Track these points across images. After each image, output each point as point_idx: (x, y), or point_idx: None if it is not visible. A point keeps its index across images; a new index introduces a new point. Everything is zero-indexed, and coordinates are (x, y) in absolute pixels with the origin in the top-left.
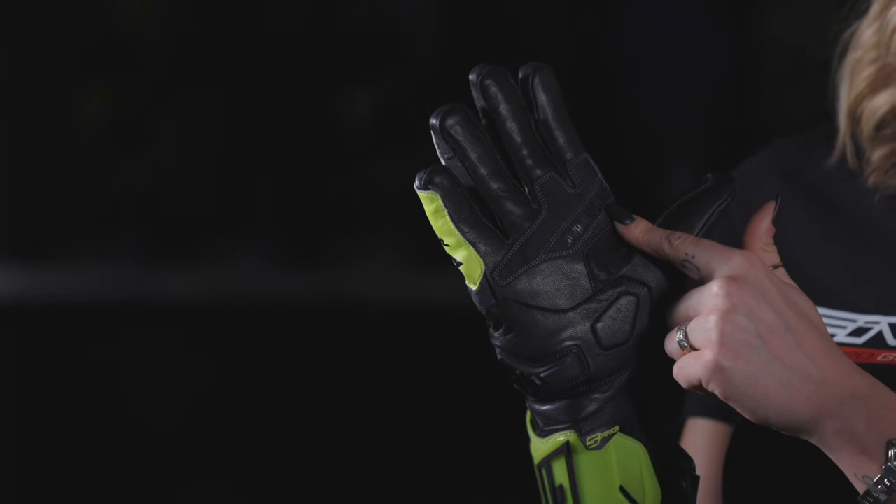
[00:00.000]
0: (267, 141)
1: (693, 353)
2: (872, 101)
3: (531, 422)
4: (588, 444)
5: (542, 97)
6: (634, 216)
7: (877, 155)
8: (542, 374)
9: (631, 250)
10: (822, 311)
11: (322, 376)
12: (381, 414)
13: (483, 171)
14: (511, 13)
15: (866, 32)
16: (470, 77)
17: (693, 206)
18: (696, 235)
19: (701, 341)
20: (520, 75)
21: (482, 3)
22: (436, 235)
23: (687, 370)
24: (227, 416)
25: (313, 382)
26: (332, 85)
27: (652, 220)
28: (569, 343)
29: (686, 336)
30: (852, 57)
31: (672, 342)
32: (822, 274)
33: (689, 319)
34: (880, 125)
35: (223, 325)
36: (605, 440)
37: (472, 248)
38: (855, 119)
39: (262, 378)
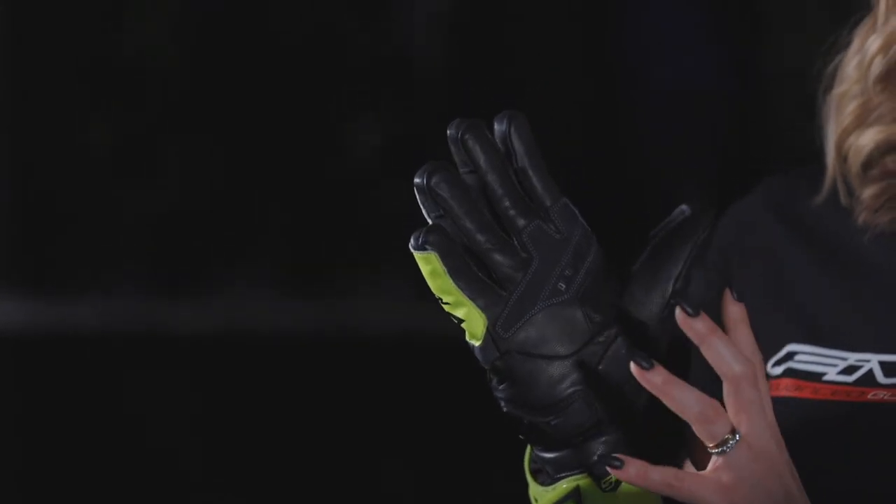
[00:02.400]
0: (274, 171)
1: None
2: (858, 138)
3: (532, 471)
4: (603, 486)
5: (518, 146)
6: (654, 363)
7: (866, 194)
8: (552, 423)
9: (622, 289)
10: (813, 348)
11: (329, 408)
12: (391, 447)
13: (469, 225)
14: (520, 40)
15: (849, 66)
16: (448, 133)
17: (674, 240)
18: (681, 269)
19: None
20: (495, 126)
21: (490, 32)
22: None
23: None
24: (234, 448)
25: (321, 414)
26: (340, 114)
27: (638, 252)
28: (575, 388)
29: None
30: (837, 92)
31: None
32: (813, 311)
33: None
34: (867, 164)
35: (230, 356)
36: (619, 481)
37: (472, 304)
38: (842, 156)
39: (269, 410)
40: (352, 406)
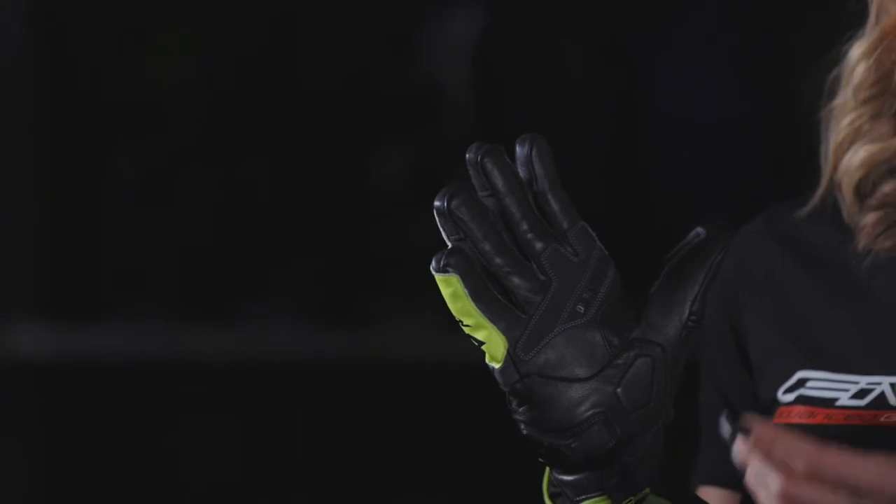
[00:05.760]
0: (301, 199)
1: None
2: (850, 156)
3: (551, 494)
4: None
5: (539, 169)
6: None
7: (865, 221)
8: (572, 445)
9: (639, 312)
10: (823, 374)
11: (355, 437)
12: (416, 476)
13: (488, 248)
14: (544, 75)
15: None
16: (467, 156)
17: (690, 261)
18: (698, 292)
19: None
20: (517, 148)
21: (515, 65)
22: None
23: None
24: (259, 477)
25: (347, 443)
26: (366, 144)
27: (654, 274)
28: (594, 411)
29: None
30: (833, 104)
31: None
32: (821, 336)
33: None
34: (859, 189)
35: (256, 385)
36: (640, 502)
37: (492, 327)
38: (835, 182)
39: (296, 439)
40: (377, 435)
